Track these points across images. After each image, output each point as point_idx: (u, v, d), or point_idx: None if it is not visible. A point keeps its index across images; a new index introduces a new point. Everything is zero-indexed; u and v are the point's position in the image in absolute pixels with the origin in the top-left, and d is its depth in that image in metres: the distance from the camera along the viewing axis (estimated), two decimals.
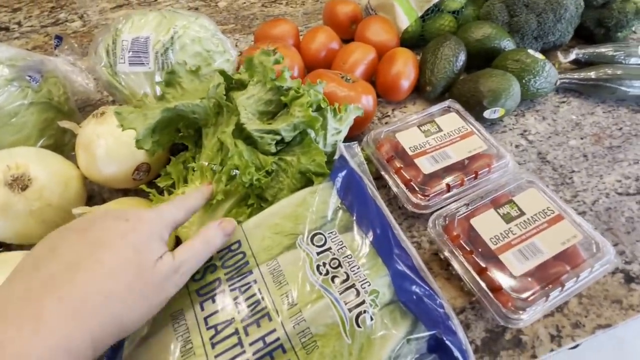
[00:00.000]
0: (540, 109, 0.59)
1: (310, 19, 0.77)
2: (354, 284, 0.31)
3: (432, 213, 0.40)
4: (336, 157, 0.42)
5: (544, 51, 0.63)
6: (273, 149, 0.40)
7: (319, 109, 0.41)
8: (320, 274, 0.32)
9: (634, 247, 0.45)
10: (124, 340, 0.30)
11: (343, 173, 0.39)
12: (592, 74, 0.57)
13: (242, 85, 0.43)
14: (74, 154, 0.49)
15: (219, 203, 0.41)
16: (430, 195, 0.41)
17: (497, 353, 0.38)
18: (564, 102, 0.60)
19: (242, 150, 0.38)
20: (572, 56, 0.60)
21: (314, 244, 0.33)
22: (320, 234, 0.34)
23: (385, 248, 0.34)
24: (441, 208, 0.41)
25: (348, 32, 0.68)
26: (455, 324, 0.33)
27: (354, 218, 0.36)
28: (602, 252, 0.36)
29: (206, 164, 0.41)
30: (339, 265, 0.32)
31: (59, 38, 0.58)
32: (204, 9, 0.81)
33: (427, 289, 0.33)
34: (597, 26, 0.62)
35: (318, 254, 0.33)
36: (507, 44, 0.59)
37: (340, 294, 0.31)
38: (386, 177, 0.44)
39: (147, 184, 0.45)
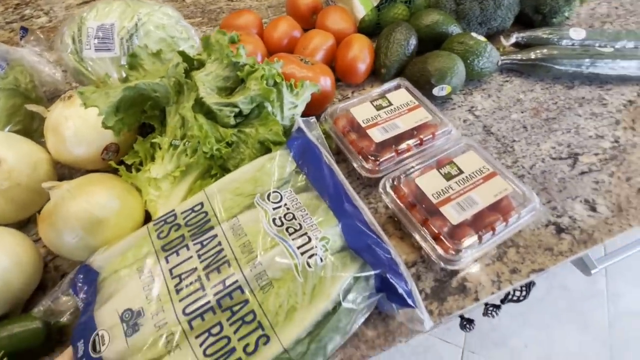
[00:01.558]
0: (486, 87, 0.64)
1: (275, 12, 0.80)
2: (306, 232, 0.35)
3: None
4: (294, 129, 0.45)
5: (488, 36, 0.69)
6: (232, 122, 0.43)
7: (275, 84, 0.45)
8: (276, 225, 0.35)
9: (564, 203, 0.50)
10: (95, 290, 0.33)
11: (299, 142, 0.42)
12: (530, 55, 0.63)
13: (202, 66, 0.46)
14: (43, 140, 0.51)
15: (183, 176, 0.44)
16: (382, 161, 0.45)
17: (445, 299, 0.42)
18: (507, 81, 0.65)
19: (202, 123, 0.41)
20: (513, 40, 0.66)
21: (270, 201, 0.37)
22: (277, 192, 0.38)
23: (337, 204, 0.38)
24: (392, 172, 0.45)
25: (309, 22, 0.72)
26: (402, 269, 0.37)
27: (309, 180, 0.40)
28: (528, 201, 0.41)
29: (169, 139, 0.44)
30: (293, 218, 0.36)
31: (24, 29, 0.60)
32: (171, 4, 0.83)
33: (375, 238, 0.37)
34: (535, 13, 0.69)
35: (274, 209, 0.36)
36: (454, 29, 0.64)
37: (293, 240, 0.34)
38: (343, 148, 0.48)
39: (116, 163, 0.48)
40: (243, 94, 0.42)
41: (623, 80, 0.64)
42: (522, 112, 0.60)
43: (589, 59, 0.61)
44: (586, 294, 1.47)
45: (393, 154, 0.46)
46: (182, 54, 0.45)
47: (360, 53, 0.61)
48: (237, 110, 0.42)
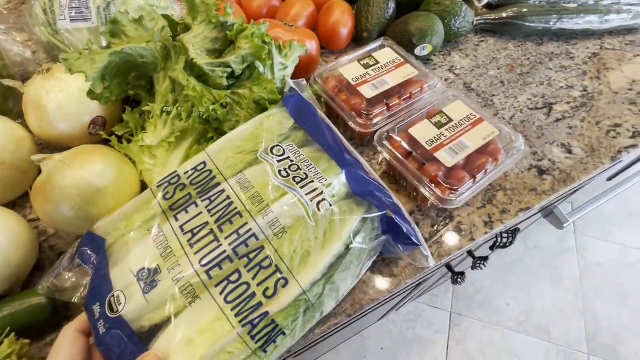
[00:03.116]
0: (463, 48, 0.66)
1: None
2: (312, 180, 0.36)
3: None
4: (286, 90, 0.46)
5: None
6: (225, 83, 0.42)
7: (264, 44, 0.44)
8: (282, 176, 0.36)
9: (543, 148, 0.53)
10: (104, 250, 0.32)
11: (294, 99, 0.43)
12: (502, 14, 0.66)
13: (187, 30, 0.45)
14: (20, 121, 0.48)
15: (179, 141, 0.43)
16: (374, 116, 0.47)
17: (443, 242, 0.45)
18: (482, 41, 0.68)
19: (196, 84, 0.41)
20: (485, 1, 0.68)
21: (273, 154, 0.37)
22: (279, 146, 0.38)
23: (338, 155, 0.39)
24: (384, 126, 0.46)
25: None
26: (405, 213, 0.38)
27: (309, 134, 0.40)
28: (514, 142, 0.44)
29: (160, 106, 0.43)
30: (298, 168, 0.37)
31: None
32: None
33: (377, 185, 0.38)
34: None
35: (279, 161, 0.37)
36: None
37: (302, 188, 0.35)
38: (335, 107, 0.49)
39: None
40: (234, 53, 0.42)
41: (587, 34, 0.68)
42: (499, 69, 0.63)
43: (556, 14, 0.64)
44: (558, 252, 1.57)
45: (384, 108, 0.47)
46: (167, 17, 0.44)
47: (342, 17, 0.61)
48: (229, 70, 0.42)
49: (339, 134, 0.42)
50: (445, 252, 0.44)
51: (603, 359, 1.32)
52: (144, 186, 0.45)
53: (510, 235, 0.60)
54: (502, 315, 1.44)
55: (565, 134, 0.55)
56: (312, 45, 0.55)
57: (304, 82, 0.48)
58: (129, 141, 0.46)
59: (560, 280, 1.52)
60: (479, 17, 0.67)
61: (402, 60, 0.52)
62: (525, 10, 0.65)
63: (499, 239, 0.60)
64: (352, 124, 0.47)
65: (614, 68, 0.64)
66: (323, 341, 0.74)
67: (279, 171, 0.36)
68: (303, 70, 0.54)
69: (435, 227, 0.46)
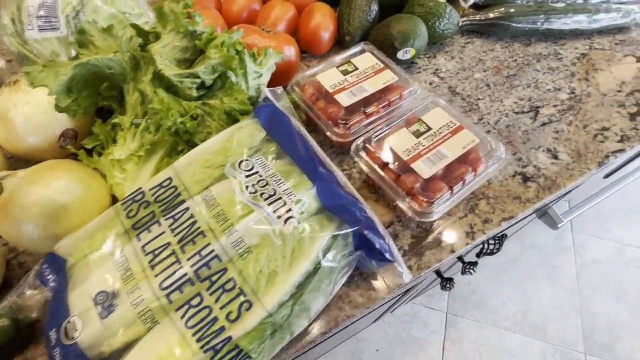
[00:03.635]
0: (449, 50, 0.65)
1: None
2: (280, 197, 0.34)
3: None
4: (261, 99, 0.44)
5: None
6: (195, 94, 0.41)
7: (237, 53, 0.43)
8: (250, 193, 0.34)
9: (528, 154, 0.52)
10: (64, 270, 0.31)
11: (267, 110, 0.41)
12: (488, 15, 0.64)
13: (158, 39, 0.44)
14: None
15: (149, 155, 0.42)
16: (351, 125, 0.45)
17: (422, 253, 0.44)
18: (468, 42, 0.66)
19: (164, 96, 0.39)
20: (471, 1, 0.67)
21: (241, 169, 0.36)
22: (247, 160, 0.37)
23: (310, 168, 0.38)
24: (362, 135, 0.45)
25: None
26: (379, 227, 0.37)
27: (281, 146, 0.39)
28: (495, 150, 0.42)
29: (129, 119, 0.42)
30: (267, 184, 0.35)
31: None
32: None
33: (351, 198, 0.37)
34: None
35: (247, 177, 0.35)
36: None
37: (269, 205, 0.34)
38: (312, 115, 0.47)
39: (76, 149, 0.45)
40: (204, 63, 0.40)
41: (575, 34, 0.66)
42: (485, 71, 0.62)
43: (543, 14, 0.63)
44: (555, 250, 1.56)
45: (362, 117, 0.46)
46: (135, 27, 0.42)
47: (323, 21, 0.60)
48: (198, 81, 0.40)
49: (314, 144, 0.41)
50: (424, 265, 0.43)
51: (600, 358, 1.31)
52: (115, 201, 0.44)
53: (496, 241, 0.58)
54: (498, 315, 1.44)
55: (551, 139, 0.54)
56: (291, 51, 0.54)
57: (281, 90, 0.47)
58: (100, 154, 0.44)
59: (557, 278, 1.51)
60: (464, 18, 0.65)
61: (382, 65, 0.50)
62: (511, 10, 0.63)
63: (486, 246, 0.59)
64: (329, 134, 0.45)
65: (602, 69, 0.62)
66: (312, 350, 0.73)
67: (246, 187, 0.35)
68: (282, 76, 0.53)
69: (415, 238, 0.44)
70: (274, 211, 0.33)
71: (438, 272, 0.72)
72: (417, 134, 0.43)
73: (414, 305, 1.45)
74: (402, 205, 0.39)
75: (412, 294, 1.01)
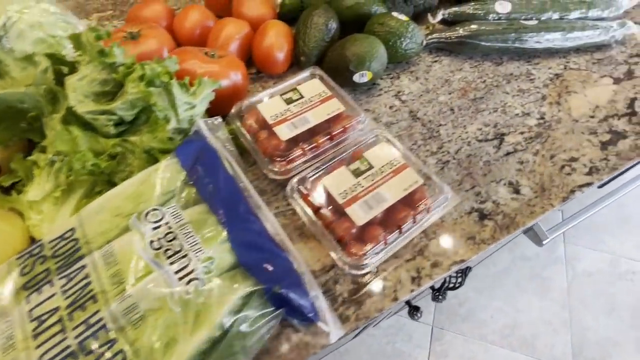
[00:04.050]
0: (414, 69, 0.61)
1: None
2: (186, 254, 0.31)
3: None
4: (192, 133, 0.41)
5: (417, 14, 0.65)
6: (113, 131, 0.38)
7: (163, 84, 0.40)
8: (153, 249, 0.31)
9: (488, 188, 0.48)
10: None
11: (192, 147, 0.38)
12: (456, 33, 0.60)
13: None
14: None
15: (67, 195, 0.39)
16: (290, 161, 0.42)
17: (362, 302, 0.40)
18: (436, 61, 0.62)
19: (77, 135, 0.36)
20: (439, 17, 0.63)
21: (148, 221, 0.33)
22: (157, 210, 0.34)
23: (230, 216, 0.35)
24: (301, 172, 0.42)
25: (228, 10, 0.66)
26: (306, 280, 0.34)
27: (200, 192, 0.36)
28: (441, 193, 0.39)
29: (47, 156, 0.39)
30: (174, 238, 0.32)
31: None
32: None
33: (274, 249, 0.34)
34: None
35: (153, 229, 0.32)
36: (379, 9, 0.61)
37: (171, 265, 0.31)
38: (251, 149, 0.44)
39: None
40: (122, 98, 0.37)
41: (550, 53, 0.62)
42: (450, 94, 0.58)
43: (514, 33, 0.59)
44: (546, 261, 1.52)
45: (302, 152, 0.43)
46: (52, 56, 0.39)
47: (277, 40, 0.56)
48: (115, 118, 0.37)
49: (244, 185, 0.38)
50: (363, 315, 0.39)
51: None
52: (33, 241, 0.41)
53: (460, 275, 0.55)
54: (486, 329, 1.40)
55: (515, 170, 0.50)
56: (237, 76, 0.51)
57: (219, 121, 0.44)
58: (20, 191, 0.42)
59: (547, 291, 1.47)
60: (431, 36, 0.61)
61: (330, 93, 0.47)
62: (481, 28, 0.59)
63: (448, 280, 0.56)
64: (265, 171, 0.42)
65: (576, 91, 0.58)
66: None
67: (151, 242, 0.32)
68: (227, 101, 0.50)
69: (357, 284, 0.41)
70: (177, 272, 0.30)
71: (407, 301, 0.68)
72: (357, 173, 0.40)
73: (400, 318, 1.41)
74: (334, 255, 0.36)
75: (390, 312, 0.98)
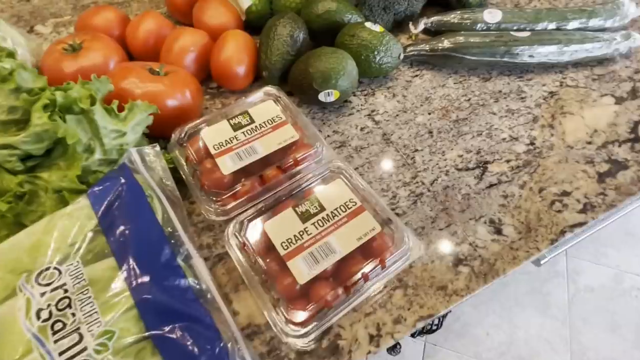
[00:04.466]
0: (392, 85, 0.55)
1: (159, 5, 0.68)
2: (79, 327, 0.26)
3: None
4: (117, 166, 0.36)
5: (397, 23, 0.59)
6: (20, 167, 0.33)
7: (82, 111, 0.35)
8: (39, 319, 0.26)
9: (466, 226, 0.42)
10: None
11: (110, 186, 0.33)
12: (439, 45, 0.54)
13: None
14: None
15: None
16: (231, 199, 0.36)
17: None
18: (416, 75, 0.56)
19: None
20: (422, 26, 0.57)
21: (40, 284, 0.27)
22: (56, 269, 0.28)
23: (146, 270, 0.29)
24: (244, 212, 0.36)
25: (190, 18, 0.61)
26: (236, 349, 0.29)
27: (112, 243, 0.30)
28: (403, 243, 0.33)
29: None
30: (69, 305, 0.27)
31: None
32: (37, 0, 0.70)
33: (199, 315, 0.29)
34: None
35: (43, 294, 0.27)
36: (353, 17, 0.55)
37: (56, 342, 0.25)
38: (189, 184, 0.39)
39: None
40: (27, 131, 0.32)
41: (545, 67, 0.56)
42: (430, 114, 0.52)
43: (503, 46, 0.52)
44: (547, 276, 1.45)
45: (246, 188, 0.37)
46: None
47: (236, 53, 0.51)
48: (18, 152, 0.32)
49: (173, 228, 0.33)
50: None
51: None
52: None
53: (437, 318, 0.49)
54: (481, 346, 1.34)
55: (497, 206, 0.44)
56: (186, 95, 0.45)
57: (157, 149, 0.39)
58: None
59: (547, 307, 1.41)
60: (411, 48, 0.55)
61: (283, 119, 0.41)
62: (468, 40, 0.53)
63: None
64: (203, 210, 0.37)
65: (572, 112, 0.52)
66: None
67: (39, 311, 0.26)
68: (175, 123, 0.44)
69: (304, 344, 0.36)
70: (61, 353, 0.25)
71: None
72: (305, 217, 0.34)
73: None
74: (268, 316, 0.31)
75: None
